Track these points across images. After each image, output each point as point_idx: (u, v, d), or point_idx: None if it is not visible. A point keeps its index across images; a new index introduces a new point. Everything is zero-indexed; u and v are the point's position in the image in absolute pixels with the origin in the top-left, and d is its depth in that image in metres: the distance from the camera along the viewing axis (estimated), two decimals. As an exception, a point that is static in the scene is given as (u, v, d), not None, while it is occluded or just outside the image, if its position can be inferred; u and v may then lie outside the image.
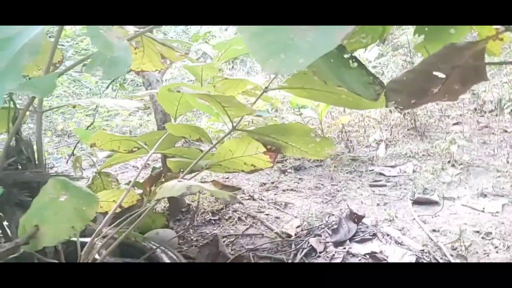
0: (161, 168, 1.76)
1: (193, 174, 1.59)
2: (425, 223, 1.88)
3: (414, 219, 1.92)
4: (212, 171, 1.57)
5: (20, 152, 1.15)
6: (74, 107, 1.90)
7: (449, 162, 2.51)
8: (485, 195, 2.09)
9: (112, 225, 1.48)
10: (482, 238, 1.73)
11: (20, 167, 1.21)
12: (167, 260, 1.42)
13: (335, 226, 1.83)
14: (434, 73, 1.08)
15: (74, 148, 2.20)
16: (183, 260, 1.45)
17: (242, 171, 1.49)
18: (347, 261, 1.63)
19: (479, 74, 1.09)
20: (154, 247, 1.53)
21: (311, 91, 1.29)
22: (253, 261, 1.64)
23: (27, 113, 1.16)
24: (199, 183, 1.05)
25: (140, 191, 1.69)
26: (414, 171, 2.45)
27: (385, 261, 1.60)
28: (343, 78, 1.06)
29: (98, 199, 0.87)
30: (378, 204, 2.10)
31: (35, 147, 1.26)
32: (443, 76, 1.07)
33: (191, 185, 0.96)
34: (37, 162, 1.24)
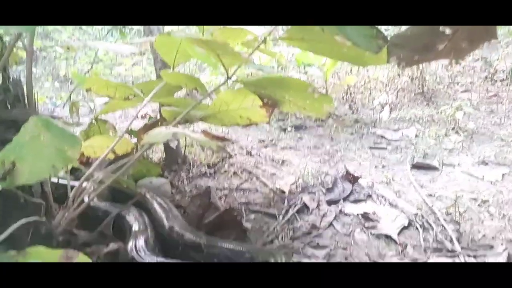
0: (158, 118, 1.74)
1: (187, 124, 1.56)
2: (422, 188, 1.86)
3: (411, 183, 1.90)
4: (208, 123, 1.54)
5: (7, 90, 1.12)
6: (68, 48, 1.85)
7: (453, 129, 2.46)
8: (486, 163, 2.06)
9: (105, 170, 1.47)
10: (479, 205, 1.71)
11: (9, 106, 1.19)
12: (157, 208, 1.43)
13: (330, 186, 1.81)
14: (441, 28, 1.02)
15: (71, 93, 2.17)
16: (173, 208, 1.45)
17: (237, 124, 1.45)
18: (338, 220, 1.63)
19: (489, 31, 1.02)
20: (146, 194, 1.53)
21: (312, 43, 1.24)
22: (244, 215, 1.64)
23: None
24: (185, 130, 1.03)
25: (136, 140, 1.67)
26: (416, 136, 2.41)
27: (377, 222, 1.59)
28: (346, 31, 1.01)
29: (81, 141, 0.84)
30: (376, 167, 2.08)
31: (24, 87, 1.23)
32: (450, 32, 1.01)
33: (177, 132, 0.93)
34: (26, 102, 1.21)
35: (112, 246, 1.35)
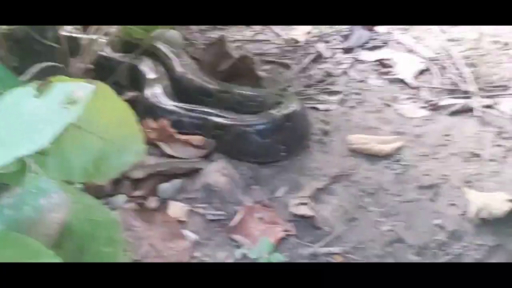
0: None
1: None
2: (443, 33, 1.79)
3: (430, 29, 1.83)
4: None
5: None
6: None
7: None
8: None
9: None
10: (498, 49, 1.66)
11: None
12: (169, 55, 1.43)
13: (347, 33, 1.76)
14: None
15: None
16: (185, 56, 1.45)
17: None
18: (353, 68, 1.61)
19: None
20: (158, 43, 1.52)
21: None
22: (259, 64, 1.63)
23: None
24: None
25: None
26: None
27: (393, 67, 1.57)
28: None
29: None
30: (396, 13, 1.98)
31: None
32: None
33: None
34: None
35: (128, 94, 1.39)
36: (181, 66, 1.42)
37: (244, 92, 1.33)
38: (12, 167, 0.65)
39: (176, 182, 1.11)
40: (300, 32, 1.86)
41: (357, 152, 1.24)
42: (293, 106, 1.22)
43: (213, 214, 1.06)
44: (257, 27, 1.93)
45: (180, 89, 1.38)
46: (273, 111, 1.21)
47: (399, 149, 1.25)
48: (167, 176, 1.12)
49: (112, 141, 0.88)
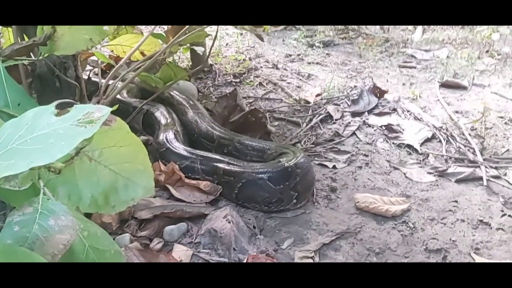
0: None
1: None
2: (449, 105, 1.84)
3: (438, 100, 1.89)
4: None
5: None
6: None
7: (487, 51, 2.38)
8: (518, 85, 2.01)
9: (131, 69, 1.50)
10: (505, 123, 1.70)
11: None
12: (182, 102, 1.48)
13: (356, 97, 1.81)
14: None
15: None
16: (201, 108, 1.49)
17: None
18: (361, 130, 1.65)
19: None
20: (174, 94, 1.57)
21: None
22: (269, 121, 1.67)
23: None
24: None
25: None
26: (448, 57, 2.34)
27: (400, 133, 1.60)
28: None
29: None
30: (404, 84, 2.05)
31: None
32: None
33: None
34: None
35: (142, 138, 1.42)
36: (193, 113, 1.47)
37: (245, 141, 1.36)
38: (25, 183, 0.66)
39: (182, 225, 1.09)
40: (310, 94, 1.93)
41: (364, 211, 1.24)
42: (301, 156, 1.23)
43: (217, 260, 1.04)
44: (269, 86, 2.00)
45: (188, 133, 1.43)
46: (281, 160, 1.22)
47: (406, 211, 1.24)
48: (173, 218, 1.11)
49: (123, 175, 0.89)
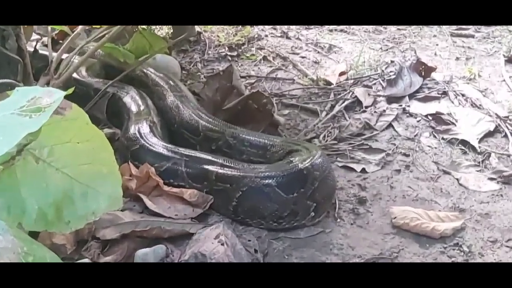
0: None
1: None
2: (517, 87, 1.85)
3: (504, 80, 1.89)
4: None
5: None
6: None
7: None
8: None
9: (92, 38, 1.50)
10: None
11: None
12: (165, 87, 1.48)
13: (393, 77, 1.82)
14: None
15: None
16: (184, 90, 1.50)
17: None
18: (400, 121, 1.65)
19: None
20: (149, 72, 1.57)
21: None
22: (276, 108, 1.67)
23: None
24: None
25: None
26: (517, 23, 2.35)
27: (453, 125, 1.61)
28: None
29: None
30: (457, 59, 2.06)
31: None
32: None
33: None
34: None
35: (107, 131, 1.43)
36: (174, 97, 1.47)
37: (240, 134, 1.36)
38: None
39: (159, 248, 1.10)
40: (331, 72, 1.93)
41: (402, 230, 1.24)
42: (318, 154, 1.23)
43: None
44: (277, 62, 2.01)
45: (167, 123, 1.45)
46: (293, 160, 1.23)
47: (459, 230, 1.25)
48: (148, 239, 1.12)
49: (81, 180, 0.89)
